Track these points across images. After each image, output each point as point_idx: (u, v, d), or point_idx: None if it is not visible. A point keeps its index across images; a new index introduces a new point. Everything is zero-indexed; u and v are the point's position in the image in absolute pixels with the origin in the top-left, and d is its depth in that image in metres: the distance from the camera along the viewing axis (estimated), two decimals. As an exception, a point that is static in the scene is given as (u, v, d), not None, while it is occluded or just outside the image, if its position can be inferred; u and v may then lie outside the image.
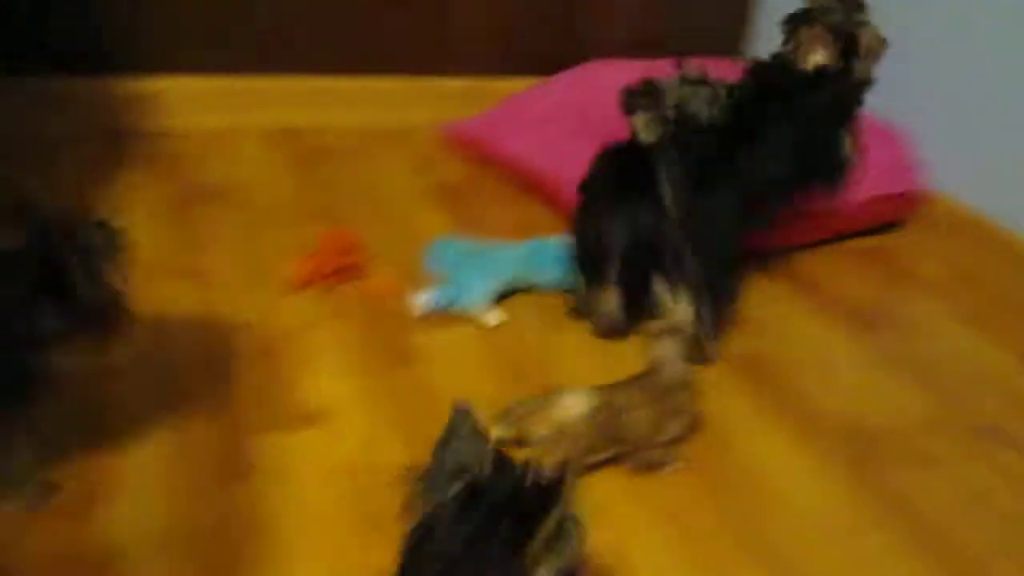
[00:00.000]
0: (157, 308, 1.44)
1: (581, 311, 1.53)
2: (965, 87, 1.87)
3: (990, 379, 1.53)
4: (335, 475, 1.19)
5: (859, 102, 1.65)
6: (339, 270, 1.57)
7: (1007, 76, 1.79)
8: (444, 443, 0.85)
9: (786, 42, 1.61)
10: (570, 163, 1.83)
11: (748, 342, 1.55)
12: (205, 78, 2.04)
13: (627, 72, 2.07)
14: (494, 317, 1.51)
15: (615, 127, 1.91)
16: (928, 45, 1.90)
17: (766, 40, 2.33)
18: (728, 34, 2.44)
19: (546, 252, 1.60)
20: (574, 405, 1.20)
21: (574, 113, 1.98)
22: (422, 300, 1.49)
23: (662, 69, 2.11)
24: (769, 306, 1.66)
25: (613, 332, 1.50)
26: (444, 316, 1.50)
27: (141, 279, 1.46)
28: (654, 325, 1.31)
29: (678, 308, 1.46)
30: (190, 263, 1.58)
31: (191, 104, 2.04)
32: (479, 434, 0.85)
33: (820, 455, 1.32)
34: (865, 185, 1.83)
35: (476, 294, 1.50)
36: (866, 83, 1.63)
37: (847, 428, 1.38)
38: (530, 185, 1.94)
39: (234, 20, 2.03)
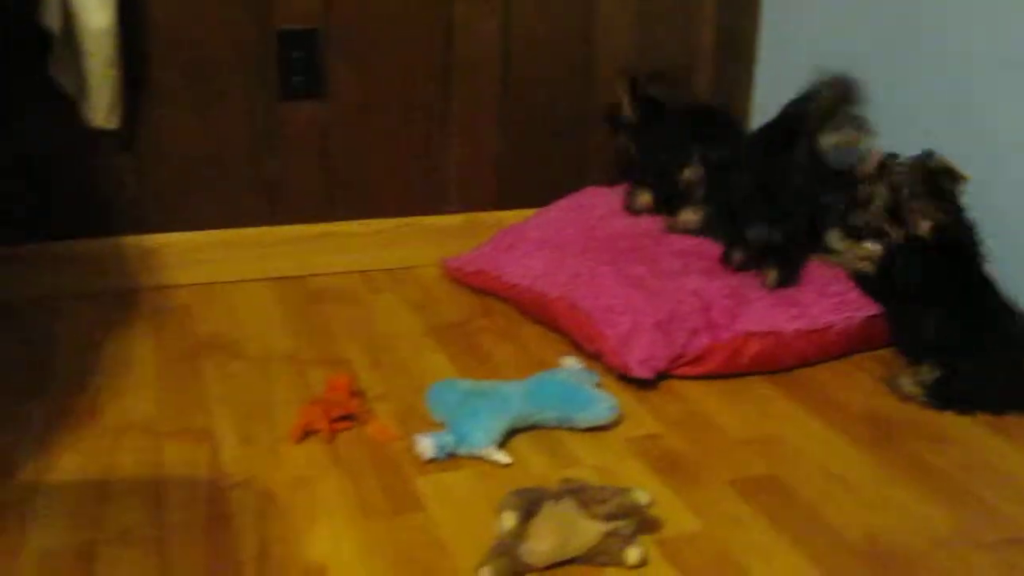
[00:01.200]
0: (157, 472, 1.42)
1: None
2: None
3: (1020, 488, 1.47)
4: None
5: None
6: (340, 417, 1.54)
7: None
8: None
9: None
10: (575, 283, 1.83)
11: (759, 462, 1.50)
12: (202, 232, 2.06)
13: (621, 196, 2.10)
14: (502, 457, 1.47)
15: (622, 246, 1.92)
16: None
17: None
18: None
19: (551, 386, 1.57)
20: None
21: (574, 235, 1.98)
22: (424, 445, 1.45)
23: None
24: (781, 423, 1.62)
25: None
26: (450, 459, 1.47)
27: (143, 442, 1.48)
28: None
29: None
30: (191, 421, 1.56)
31: (190, 258, 2.05)
32: None
33: (842, 579, 1.26)
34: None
35: (479, 436, 1.46)
36: None
37: (866, 548, 1.32)
38: (535, 314, 1.92)
39: (237, 176, 2.06)
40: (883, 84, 1.93)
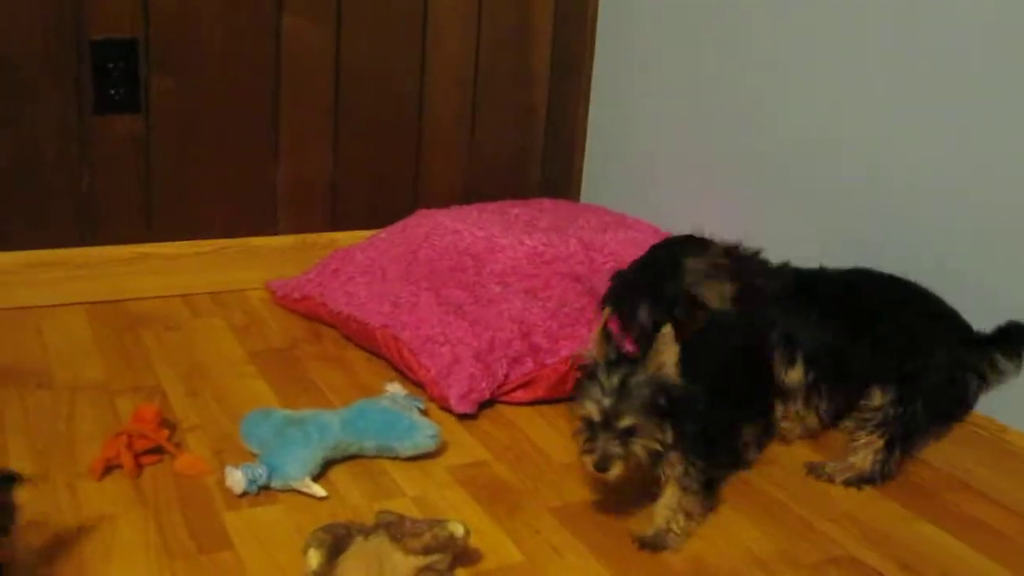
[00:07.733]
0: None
1: None
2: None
3: (836, 506, 1.49)
4: None
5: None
6: (147, 450, 1.45)
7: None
8: None
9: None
10: (396, 312, 1.78)
11: (583, 488, 1.48)
12: (9, 253, 1.94)
13: (452, 217, 2.05)
14: (318, 489, 1.40)
15: (440, 267, 1.88)
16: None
17: (595, 186, 2.36)
18: (558, 182, 2.44)
19: (371, 414, 1.51)
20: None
21: (398, 258, 1.93)
22: (235, 478, 1.38)
23: (490, 213, 2.11)
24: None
25: None
26: (263, 493, 1.39)
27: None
28: None
29: None
30: (-18, 458, 1.45)
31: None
32: None
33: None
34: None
35: (293, 468, 1.39)
36: None
37: (689, 572, 1.30)
38: (360, 342, 1.87)
39: (47, 193, 1.94)
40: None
